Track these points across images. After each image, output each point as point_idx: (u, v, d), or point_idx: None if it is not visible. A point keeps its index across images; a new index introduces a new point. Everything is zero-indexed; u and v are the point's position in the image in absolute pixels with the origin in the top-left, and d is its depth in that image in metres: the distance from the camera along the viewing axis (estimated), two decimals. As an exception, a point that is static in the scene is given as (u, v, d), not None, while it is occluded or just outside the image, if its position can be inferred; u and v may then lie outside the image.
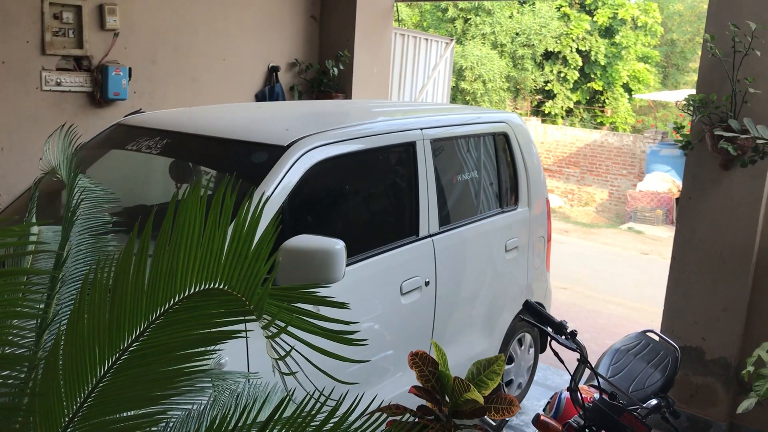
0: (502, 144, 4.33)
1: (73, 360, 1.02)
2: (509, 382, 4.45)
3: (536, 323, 2.81)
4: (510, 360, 4.45)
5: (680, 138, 4.40)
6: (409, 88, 7.92)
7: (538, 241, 4.57)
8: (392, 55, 7.33)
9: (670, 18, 24.51)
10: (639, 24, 21.63)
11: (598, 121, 22.51)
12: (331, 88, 6.46)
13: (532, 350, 4.73)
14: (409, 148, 3.54)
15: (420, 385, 2.41)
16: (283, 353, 1.08)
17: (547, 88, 21.81)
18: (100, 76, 5.19)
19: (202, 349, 1.04)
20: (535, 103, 22.81)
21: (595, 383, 2.96)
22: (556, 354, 2.71)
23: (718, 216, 4.39)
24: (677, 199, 14.87)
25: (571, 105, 22.14)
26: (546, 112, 21.93)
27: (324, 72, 6.45)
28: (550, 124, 21.26)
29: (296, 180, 2.90)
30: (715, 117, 4.22)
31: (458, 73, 19.58)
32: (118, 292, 1.02)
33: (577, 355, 2.78)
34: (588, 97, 22.45)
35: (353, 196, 3.56)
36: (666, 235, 13.44)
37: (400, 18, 20.91)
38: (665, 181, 15.42)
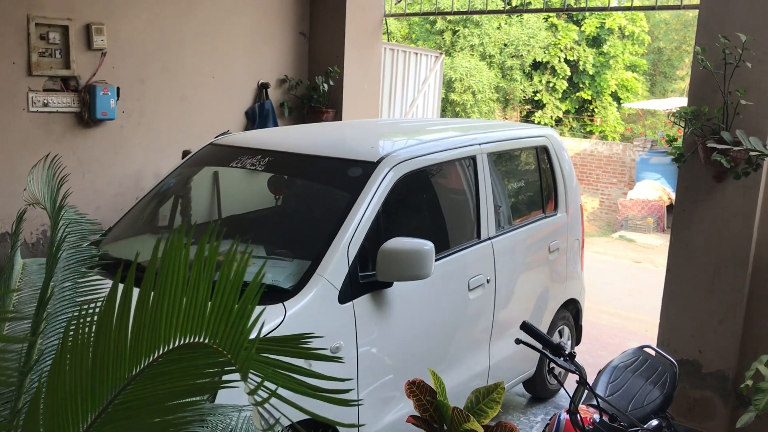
0: (543, 156, 4.80)
1: (54, 413, 0.98)
2: (551, 370, 4.82)
3: (533, 346, 2.77)
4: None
5: (672, 150, 4.38)
6: (399, 103, 7.90)
7: (574, 242, 5.03)
8: (382, 70, 7.31)
9: (657, 26, 24.66)
10: (626, 33, 21.74)
11: (588, 130, 22.57)
12: (322, 104, 6.43)
13: (569, 342, 5.20)
14: (471, 161, 4.06)
15: (418, 414, 2.36)
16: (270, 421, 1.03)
17: (536, 98, 21.86)
18: (87, 97, 5.13)
19: (190, 399, 0.99)
20: (525, 113, 22.86)
21: (595, 403, 2.92)
22: (555, 376, 2.67)
23: (713, 228, 4.37)
24: (668, 207, 14.91)
25: (561, 114, 22.20)
26: (536, 122, 21.97)
27: (314, 88, 6.42)
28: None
29: (387, 191, 3.39)
30: (707, 129, 4.21)
31: (448, 85, 19.61)
32: (101, 342, 0.98)
33: (576, 377, 2.74)
34: (577, 107, 22.52)
35: (430, 204, 4.03)
36: (658, 242, 13.45)
37: (389, 31, 20.93)
38: (655, 189, 15.44)
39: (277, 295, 2.96)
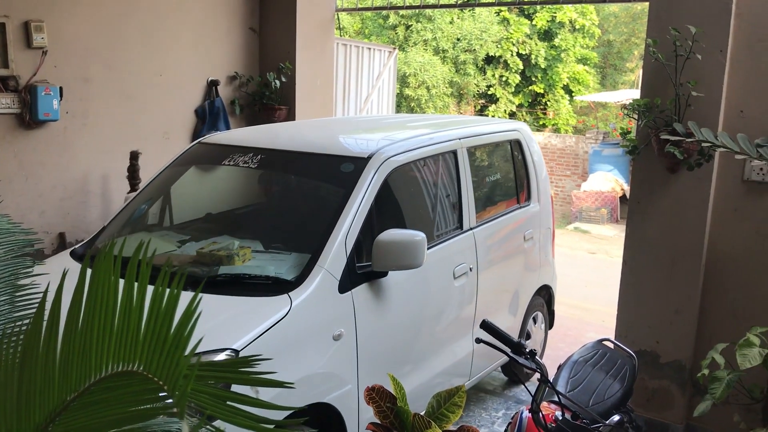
0: (516, 149, 5.01)
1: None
2: (528, 336, 5.12)
3: (494, 345, 2.73)
4: (528, 336, 5.13)
5: (626, 143, 4.40)
6: (353, 99, 7.82)
7: (546, 231, 5.25)
8: (335, 66, 7.21)
9: (606, 19, 25.01)
10: (577, 27, 22.00)
11: (541, 123, 22.80)
12: (274, 101, 6.30)
13: (543, 326, 5.41)
14: (452, 155, 4.26)
15: (378, 421, 2.29)
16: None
17: (489, 92, 21.98)
18: (28, 97, 4.93)
19: (129, 427, 0.90)
20: (479, 107, 22.98)
21: (556, 399, 2.89)
22: (516, 374, 2.63)
23: (667, 219, 4.40)
24: (622, 198, 15.14)
25: (514, 108, 22.37)
26: (490, 116, 22.10)
27: (266, 85, 6.30)
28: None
29: (379, 185, 3.56)
30: (660, 121, 4.23)
31: (402, 80, 19.56)
32: (27, 367, 0.88)
33: (538, 375, 2.70)
34: (530, 100, 22.72)
35: (417, 197, 4.19)
36: (611, 233, 13.64)
37: (341, 26, 20.80)
38: (608, 181, 15.67)
39: (280, 286, 3.12)
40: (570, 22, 21.75)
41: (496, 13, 21.09)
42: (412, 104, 20.23)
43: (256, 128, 4.89)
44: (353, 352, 3.31)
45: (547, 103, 22.55)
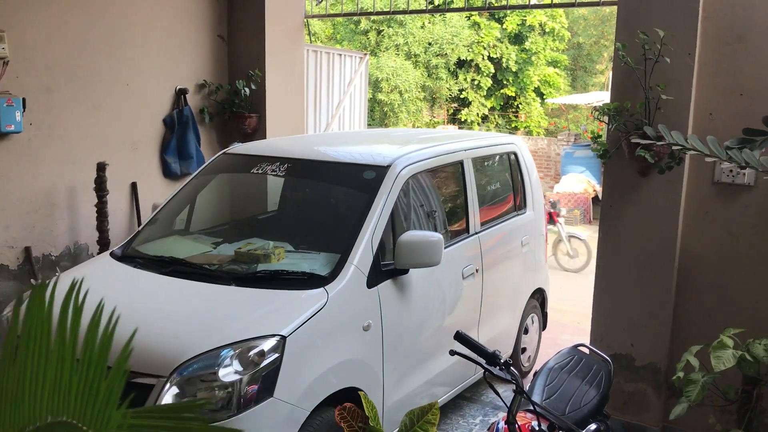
0: (513, 160, 5.34)
1: None
2: (524, 350, 5.50)
3: (468, 357, 2.70)
4: (525, 331, 5.45)
5: (597, 147, 4.40)
6: (325, 105, 7.76)
7: (540, 237, 5.55)
8: (306, 72, 7.15)
9: (576, 22, 25.24)
10: (547, 30, 22.16)
11: (513, 125, 22.91)
12: (244, 108, 6.23)
13: (538, 327, 5.74)
14: (459, 165, 4.60)
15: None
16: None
17: (462, 96, 22.05)
18: (-11, 109, 4.80)
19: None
20: (452, 111, 23.04)
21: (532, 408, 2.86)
22: (491, 386, 2.60)
23: (640, 222, 4.41)
24: (594, 199, 15.25)
25: (486, 111, 22.46)
26: (462, 119, 22.17)
27: (235, 92, 6.22)
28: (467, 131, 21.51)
29: (398, 190, 3.89)
30: (630, 125, 4.24)
31: (375, 85, 19.54)
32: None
33: (513, 386, 2.67)
34: (502, 103, 22.83)
35: (430, 202, 4.47)
36: (585, 234, 13.70)
37: (313, 32, 20.73)
38: (581, 182, 15.77)
39: (316, 281, 3.43)
40: (540, 25, 21.91)
41: (466, 17, 21.18)
42: (386, 109, 20.22)
43: (279, 139, 5.34)
44: (379, 342, 3.63)
45: (519, 105, 22.68)
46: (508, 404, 2.72)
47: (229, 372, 2.91)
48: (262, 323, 3.14)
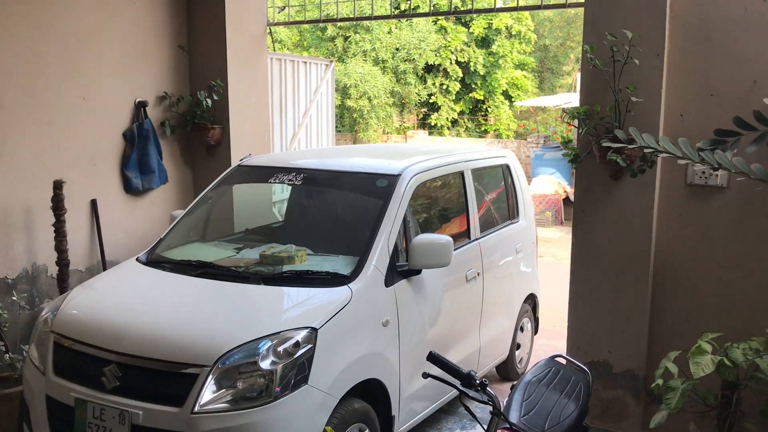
0: (506, 172, 5.60)
1: None
2: (519, 346, 5.69)
3: (442, 379, 2.58)
4: (521, 329, 5.72)
5: (568, 152, 4.32)
6: (291, 114, 7.60)
7: (531, 245, 5.79)
8: (270, 81, 7.00)
9: (541, 24, 25.38)
10: (513, 33, 22.24)
11: (483, 129, 22.95)
12: (207, 120, 6.05)
13: (530, 331, 5.96)
14: (460, 175, 4.87)
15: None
16: None
17: (431, 100, 22.02)
18: (-64, 128, 4.58)
19: None
20: (421, 116, 23.00)
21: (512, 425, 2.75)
22: (467, 409, 2.48)
23: (613, 227, 4.34)
24: (565, 200, 15.29)
25: (456, 115, 22.46)
26: (432, 124, 22.15)
27: (197, 104, 6.04)
28: (438, 136, 21.49)
29: (409, 197, 4.16)
30: (600, 128, 4.17)
31: (343, 91, 19.42)
32: None
33: (490, 408, 2.55)
34: (471, 107, 22.85)
35: (436, 208, 4.84)
36: (557, 235, 13.71)
37: (279, 39, 20.56)
38: (551, 184, 15.80)
39: (339, 280, 3.68)
40: (506, 28, 21.98)
41: (433, 22, 21.17)
42: (355, 115, 20.11)
43: (288, 152, 5.86)
44: (396, 337, 3.87)
45: (488, 109, 22.71)
46: (486, 427, 2.60)
47: (267, 361, 3.15)
48: (295, 317, 3.46)
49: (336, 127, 8.47)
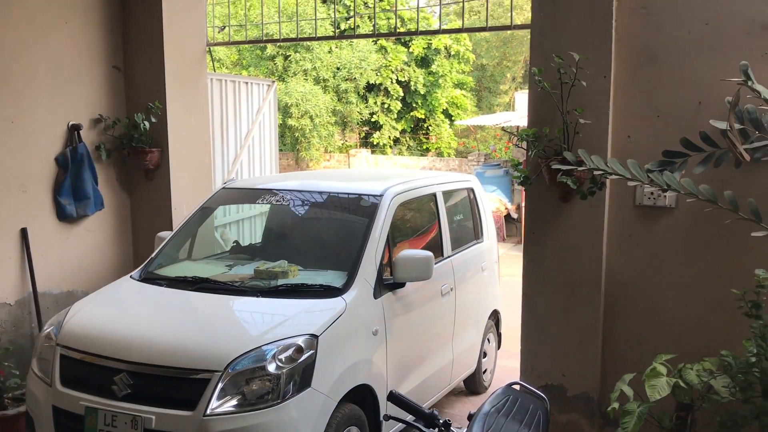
0: (471, 195, 5.91)
1: None
2: (485, 355, 5.95)
3: (403, 420, 2.46)
4: (485, 354, 5.95)
5: (518, 175, 4.28)
6: (233, 136, 7.40)
7: (494, 264, 6.12)
8: (211, 103, 6.80)
9: (478, 44, 25.77)
10: (452, 52, 22.50)
11: (424, 147, 23.07)
12: (144, 143, 5.82)
13: (494, 345, 6.23)
14: (434, 197, 5.20)
15: None
16: None
17: (373, 119, 22.03)
18: None
19: None
20: (363, 134, 22.98)
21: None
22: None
23: (564, 249, 4.32)
24: (506, 217, 15.43)
25: (398, 134, 22.52)
26: (375, 143, 22.15)
27: (134, 126, 5.81)
28: (380, 155, 21.48)
29: (391, 215, 4.46)
30: (550, 150, 4.15)
31: (284, 111, 19.21)
32: None
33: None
34: (412, 126, 22.96)
35: (414, 226, 5.16)
36: (501, 252, 13.77)
37: (217, 58, 20.25)
38: (493, 201, 15.91)
39: (332, 292, 3.93)
40: (445, 48, 22.21)
41: (373, 41, 21.22)
42: (297, 134, 19.92)
43: (269, 176, 6.25)
44: (384, 346, 4.13)
45: (429, 127, 22.86)
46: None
47: (274, 366, 3.38)
48: (296, 325, 3.66)
49: (278, 149, 8.31)
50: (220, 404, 3.30)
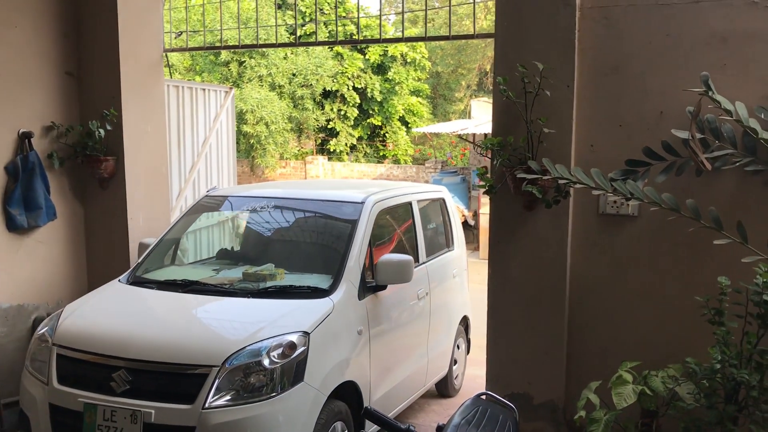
0: (443, 206, 6.18)
1: None
2: (456, 362, 6.15)
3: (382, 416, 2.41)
4: (458, 347, 6.20)
5: (483, 183, 4.28)
6: (190, 143, 7.26)
7: (463, 271, 6.37)
8: (167, 110, 6.65)
9: (433, 52, 25.93)
10: (408, 60, 22.58)
11: (381, 154, 23.08)
12: (99, 151, 5.64)
13: (464, 350, 6.42)
14: (409, 206, 5.45)
15: None
16: None
17: (329, 126, 21.96)
18: None
19: None
20: (320, 141, 22.89)
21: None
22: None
23: (529, 258, 4.33)
24: (463, 224, 15.52)
25: (354, 141, 22.49)
26: (331, 149, 22.07)
27: (88, 134, 5.63)
28: (337, 161, 21.41)
29: (373, 221, 4.67)
30: (514, 159, 4.15)
31: (239, 117, 18.99)
32: None
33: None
34: (369, 133, 22.96)
35: (393, 233, 5.35)
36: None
37: (171, 63, 19.90)
38: (451, 208, 15.99)
39: (319, 293, 4.12)
40: (401, 55, 22.29)
41: (329, 48, 21.16)
42: (252, 141, 19.72)
43: (254, 185, 6.46)
44: (368, 345, 4.32)
45: (386, 134, 22.88)
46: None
47: (269, 361, 3.57)
48: (288, 323, 3.83)
49: (235, 157, 8.20)
50: (218, 397, 3.47)
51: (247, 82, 19.98)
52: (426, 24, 5.71)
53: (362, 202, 4.71)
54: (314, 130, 22.17)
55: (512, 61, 4.15)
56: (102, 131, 5.61)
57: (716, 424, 3.45)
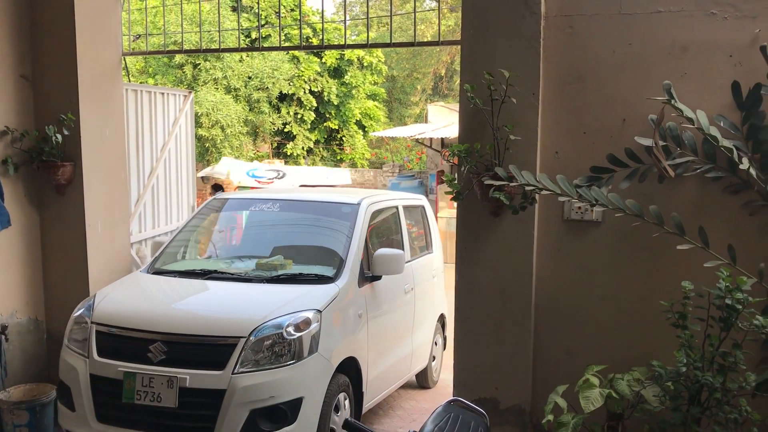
0: (423, 212, 6.78)
1: None
2: (434, 358, 6.73)
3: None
4: (435, 343, 6.78)
5: (451, 190, 4.31)
6: (149, 148, 7.12)
7: (441, 273, 6.93)
8: (126, 114, 6.51)
9: (389, 56, 26.03)
10: (365, 64, 22.60)
11: (339, 158, 23.05)
12: (56, 157, 5.49)
13: (441, 345, 6.99)
14: (396, 209, 6.09)
15: None
16: None
17: (286, 129, 21.84)
18: None
19: None
20: (276, 144, 22.73)
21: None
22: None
23: (495, 263, 4.37)
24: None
25: (311, 145, 22.41)
26: (288, 153, 21.94)
27: (44, 139, 5.47)
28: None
29: (368, 220, 5.30)
30: (481, 166, 4.19)
31: (194, 120, 18.75)
32: None
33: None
34: (326, 136, 22.91)
35: (384, 231, 5.91)
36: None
37: (123, 66, 19.51)
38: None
39: (326, 280, 4.73)
40: (358, 59, 22.30)
41: (285, 51, 21.04)
42: (207, 144, 19.48)
43: (257, 191, 6.71)
44: (366, 327, 4.94)
45: (343, 138, 22.87)
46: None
47: (288, 333, 4.15)
48: (303, 303, 4.39)
49: (195, 161, 8.09)
50: (245, 364, 4.01)
51: (202, 85, 19.74)
52: (391, 30, 5.72)
53: (358, 204, 5.36)
54: (270, 134, 22.02)
55: (478, 68, 4.19)
56: (59, 136, 5.46)
57: (680, 426, 3.54)
